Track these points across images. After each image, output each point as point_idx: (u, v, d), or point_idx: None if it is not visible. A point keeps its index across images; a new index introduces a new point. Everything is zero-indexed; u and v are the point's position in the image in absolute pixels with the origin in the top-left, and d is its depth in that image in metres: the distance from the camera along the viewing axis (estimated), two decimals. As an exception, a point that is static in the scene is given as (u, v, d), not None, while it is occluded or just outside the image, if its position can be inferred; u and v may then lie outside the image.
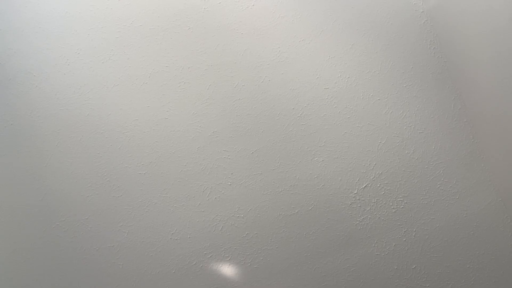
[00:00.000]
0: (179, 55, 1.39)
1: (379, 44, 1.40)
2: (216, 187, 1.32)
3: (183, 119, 1.35)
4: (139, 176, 1.32)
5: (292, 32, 1.40)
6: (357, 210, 1.31)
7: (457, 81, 1.37)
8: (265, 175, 1.33)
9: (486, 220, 1.30)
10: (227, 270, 1.29)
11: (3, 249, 1.27)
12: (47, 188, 1.30)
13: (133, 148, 1.33)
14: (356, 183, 1.33)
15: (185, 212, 1.30)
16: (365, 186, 1.32)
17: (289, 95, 1.37)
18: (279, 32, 1.40)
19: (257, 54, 1.39)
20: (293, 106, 1.37)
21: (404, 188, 1.32)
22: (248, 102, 1.37)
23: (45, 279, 1.26)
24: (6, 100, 1.35)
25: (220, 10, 1.41)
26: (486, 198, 1.32)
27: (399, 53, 1.39)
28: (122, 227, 1.29)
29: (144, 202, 1.31)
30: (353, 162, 1.34)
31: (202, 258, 1.28)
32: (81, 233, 1.28)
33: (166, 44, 1.39)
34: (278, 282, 1.29)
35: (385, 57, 1.39)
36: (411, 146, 1.35)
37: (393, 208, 1.31)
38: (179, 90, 1.37)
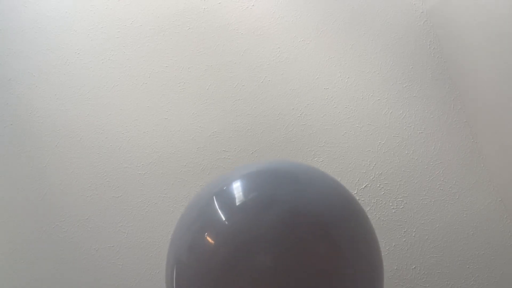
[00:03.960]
0: (179, 55, 1.39)
1: (378, 44, 1.40)
2: (216, 187, 1.32)
3: (183, 119, 1.35)
4: (139, 176, 1.32)
5: (292, 32, 1.40)
6: (357, 210, 1.31)
7: (457, 81, 1.37)
8: (265, 175, 1.33)
9: (486, 220, 1.30)
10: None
11: (3, 249, 1.27)
12: (47, 188, 1.30)
13: (133, 148, 1.33)
14: (356, 183, 1.33)
15: (185, 212, 1.30)
16: (365, 186, 1.32)
17: (289, 95, 1.37)
18: (279, 32, 1.40)
19: (257, 54, 1.39)
20: (293, 106, 1.37)
21: (404, 188, 1.32)
22: (248, 102, 1.37)
23: (45, 279, 1.26)
24: (6, 100, 1.35)
25: (220, 10, 1.41)
26: (485, 198, 1.31)
27: (399, 53, 1.39)
28: (122, 227, 1.29)
29: (144, 202, 1.30)
30: (353, 162, 1.34)
31: (202, 258, 1.28)
32: (81, 233, 1.28)
33: (166, 44, 1.39)
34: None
35: (384, 57, 1.39)
36: (411, 146, 1.34)
37: (393, 208, 1.31)
38: (179, 90, 1.37)
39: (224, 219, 0.58)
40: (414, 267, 1.28)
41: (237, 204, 0.59)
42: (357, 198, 1.32)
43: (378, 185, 1.32)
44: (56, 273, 1.26)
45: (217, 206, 0.60)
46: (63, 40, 1.39)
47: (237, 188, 0.61)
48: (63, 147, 1.33)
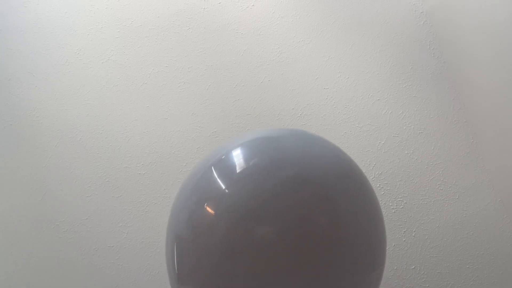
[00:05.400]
0: (179, 55, 1.39)
1: (378, 44, 1.40)
2: (216, 187, 1.32)
3: (182, 119, 1.35)
4: (138, 176, 1.32)
5: (291, 32, 1.40)
6: (357, 210, 1.31)
7: (457, 82, 1.37)
8: (265, 175, 1.33)
9: (486, 220, 1.30)
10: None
11: (2, 249, 1.27)
12: (46, 188, 1.30)
13: (132, 148, 1.33)
14: (356, 183, 1.32)
15: (185, 212, 1.30)
16: (365, 186, 1.32)
17: (289, 95, 1.37)
18: (279, 32, 1.40)
19: (256, 54, 1.39)
20: (293, 106, 1.37)
21: (403, 188, 1.32)
22: (248, 102, 1.37)
23: (44, 279, 1.26)
24: (6, 100, 1.35)
25: (220, 10, 1.41)
26: (485, 198, 1.31)
27: (398, 53, 1.39)
28: (121, 227, 1.29)
29: (144, 203, 1.30)
30: (353, 162, 1.34)
31: (202, 258, 1.28)
32: (81, 234, 1.28)
33: (166, 44, 1.39)
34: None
35: (384, 57, 1.39)
36: (410, 146, 1.34)
37: (392, 208, 1.31)
38: (179, 90, 1.37)
39: (224, 188, 0.54)
40: (414, 267, 1.28)
41: (238, 172, 0.55)
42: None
43: (377, 185, 1.32)
44: (56, 273, 1.26)
45: (216, 176, 0.55)
46: (62, 40, 1.39)
47: (237, 156, 0.57)
48: (63, 147, 1.33)
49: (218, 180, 0.55)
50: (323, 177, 0.55)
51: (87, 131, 1.34)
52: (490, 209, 1.31)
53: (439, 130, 1.36)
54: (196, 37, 1.40)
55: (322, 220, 0.53)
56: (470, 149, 1.35)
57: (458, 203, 1.32)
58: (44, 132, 1.34)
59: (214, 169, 0.57)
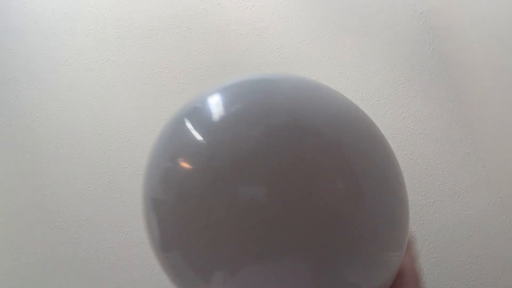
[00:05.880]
0: (178, 56, 1.39)
1: (378, 45, 1.40)
2: (215, 188, 1.32)
3: (182, 120, 1.35)
4: (138, 177, 1.32)
5: (291, 32, 1.40)
6: (356, 211, 1.31)
7: (456, 82, 1.36)
8: (264, 176, 1.33)
9: (485, 221, 1.30)
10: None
11: (2, 249, 1.27)
12: (46, 188, 1.31)
13: (132, 149, 1.33)
14: (355, 184, 1.32)
15: (184, 212, 1.30)
16: (364, 186, 1.32)
17: (288, 95, 1.37)
18: (278, 32, 1.40)
19: (256, 55, 1.39)
20: (292, 106, 1.37)
21: (403, 188, 1.32)
22: (247, 102, 1.37)
23: (44, 280, 1.26)
24: (5, 100, 1.35)
25: (219, 11, 1.41)
26: (485, 198, 1.31)
27: (398, 54, 1.39)
28: (121, 228, 1.29)
29: (143, 203, 1.30)
30: (352, 163, 1.34)
31: (201, 259, 1.28)
32: (80, 234, 1.28)
33: (165, 44, 1.39)
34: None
35: (384, 58, 1.39)
36: (410, 146, 1.34)
37: (392, 208, 1.31)
38: (179, 91, 1.37)
39: (201, 138, 0.43)
40: (413, 268, 1.28)
41: (217, 120, 0.44)
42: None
43: (377, 186, 1.32)
44: (55, 274, 1.27)
45: (191, 127, 0.45)
46: (62, 40, 1.39)
47: (217, 103, 0.45)
48: (62, 147, 1.33)
49: (194, 130, 0.45)
50: (329, 126, 0.42)
51: (87, 131, 1.34)
52: (490, 209, 1.31)
53: (439, 130, 1.36)
54: (196, 38, 1.40)
55: (327, 179, 0.40)
56: (470, 150, 1.35)
57: (457, 203, 1.32)
58: (44, 132, 1.34)
59: (189, 119, 0.46)
